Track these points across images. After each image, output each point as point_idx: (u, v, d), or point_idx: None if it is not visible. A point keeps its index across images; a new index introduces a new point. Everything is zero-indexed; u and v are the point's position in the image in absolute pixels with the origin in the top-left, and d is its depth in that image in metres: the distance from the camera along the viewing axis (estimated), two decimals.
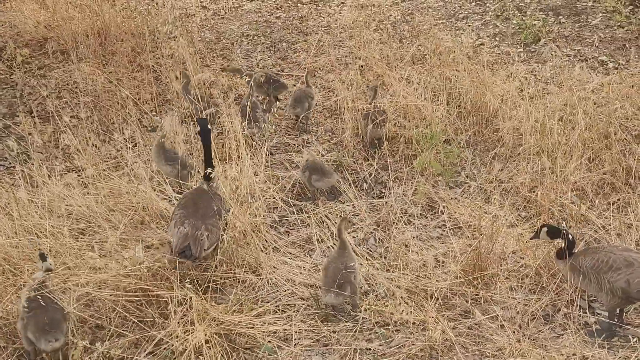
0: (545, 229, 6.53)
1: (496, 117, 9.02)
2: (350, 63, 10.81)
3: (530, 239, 6.83)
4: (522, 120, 8.59)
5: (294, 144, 9.22)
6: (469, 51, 10.42)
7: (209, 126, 7.24)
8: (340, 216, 7.07)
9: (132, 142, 9.10)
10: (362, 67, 10.39)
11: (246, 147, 8.47)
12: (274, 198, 8.22)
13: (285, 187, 8.50)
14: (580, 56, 10.68)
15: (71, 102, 10.34)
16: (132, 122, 9.13)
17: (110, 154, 8.94)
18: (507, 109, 8.90)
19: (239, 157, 8.21)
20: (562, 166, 7.87)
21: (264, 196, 8.14)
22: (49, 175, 7.99)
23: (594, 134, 8.31)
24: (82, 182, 8.19)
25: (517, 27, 11.65)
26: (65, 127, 8.98)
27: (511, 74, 9.83)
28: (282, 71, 11.26)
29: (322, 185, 8.25)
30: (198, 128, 7.21)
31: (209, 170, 7.11)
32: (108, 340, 6.37)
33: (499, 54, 10.87)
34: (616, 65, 10.34)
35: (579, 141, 8.10)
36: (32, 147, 8.88)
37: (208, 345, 6.11)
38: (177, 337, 6.15)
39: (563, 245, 6.34)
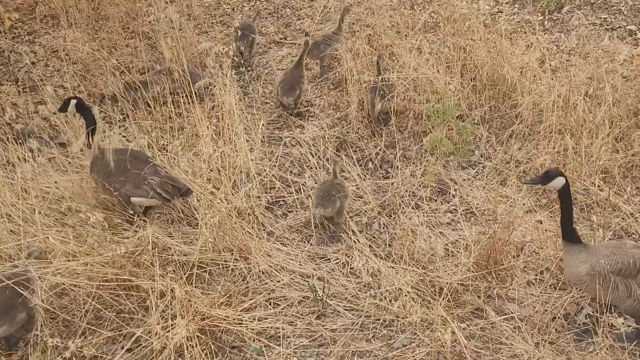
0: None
1: (514, 91, 8.36)
2: (357, 31, 10.08)
3: (526, 182, 5.97)
4: (542, 95, 7.95)
5: (294, 120, 8.53)
6: (486, 19, 9.74)
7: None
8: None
9: (121, 115, 8.49)
10: (370, 35, 9.66)
11: (241, 122, 7.81)
12: (270, 177, 7.58)
13: (284, 164, 7.85)
14: (607, 25, 9.93)
15: (60, 70, 9.71)
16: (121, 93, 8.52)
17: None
18: (526, 83, 8.24)
19: (233, 132, 7.58)
20: (587, 146, 7.30)
21: (259, 175, 7.51)
22: (29, 151, 7.39)
23: (623, 111, 7.68)
24: (64, 158, 7.61)
25: None
26: (50, 98, 8.38)
27: (531, 44, 9.18)
28: (285, 39, 10.55)
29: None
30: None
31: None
32: (80, 337, 5.78)
33: (519, 22, 10.18)
34: None
35: (605, 119, 7.47)
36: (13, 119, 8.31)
37: (191, 343, 5.51)
38: (157, 334, 5.56)
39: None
